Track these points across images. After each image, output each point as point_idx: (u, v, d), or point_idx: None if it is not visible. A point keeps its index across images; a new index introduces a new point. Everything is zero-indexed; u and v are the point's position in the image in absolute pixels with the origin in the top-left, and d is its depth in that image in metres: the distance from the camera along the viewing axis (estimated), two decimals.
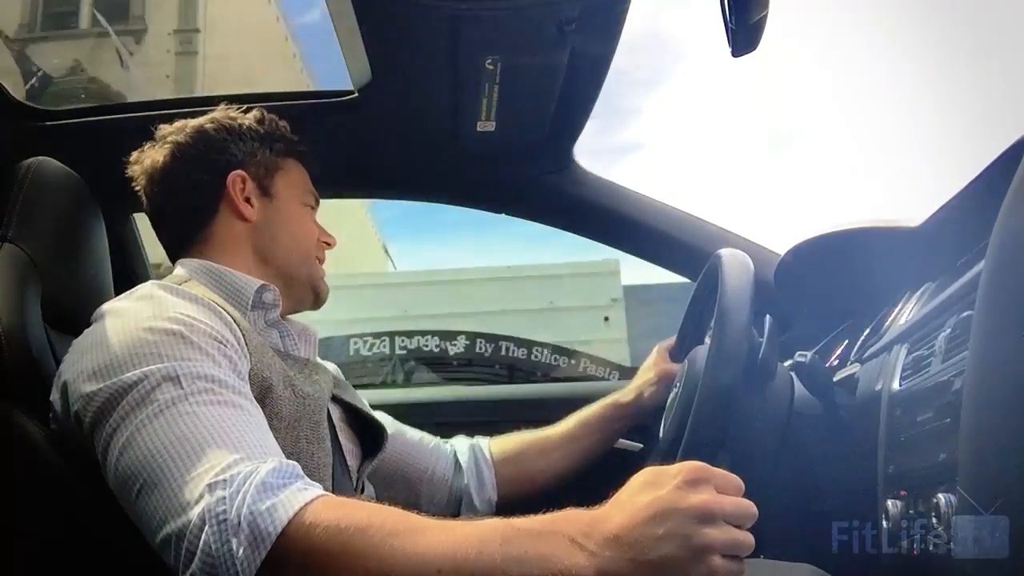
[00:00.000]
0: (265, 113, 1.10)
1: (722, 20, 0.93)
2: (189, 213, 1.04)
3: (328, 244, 1.13)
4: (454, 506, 1.23)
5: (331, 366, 1.19)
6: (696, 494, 0.64)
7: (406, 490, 1.20)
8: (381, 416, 1.18)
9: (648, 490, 0.66)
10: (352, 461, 1.06)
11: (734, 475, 0.67)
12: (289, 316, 1.09)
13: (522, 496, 1.23)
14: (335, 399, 1.07)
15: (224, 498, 0.66)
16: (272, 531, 0.64)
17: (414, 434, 1.25)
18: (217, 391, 0.77)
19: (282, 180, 1.08)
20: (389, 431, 1.15)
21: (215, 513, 0.65)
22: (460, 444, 1.27)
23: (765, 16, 0.90)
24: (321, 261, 1.12)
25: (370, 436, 1.12)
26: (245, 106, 1.11)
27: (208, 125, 1.06)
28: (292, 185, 1.09)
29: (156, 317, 0.82)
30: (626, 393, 1.30)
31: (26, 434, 0.84)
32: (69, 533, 0.85)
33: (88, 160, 1.14)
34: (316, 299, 1.11)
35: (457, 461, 1.24)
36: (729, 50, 0.94)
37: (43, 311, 0.97)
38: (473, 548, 0.64)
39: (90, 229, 1.11)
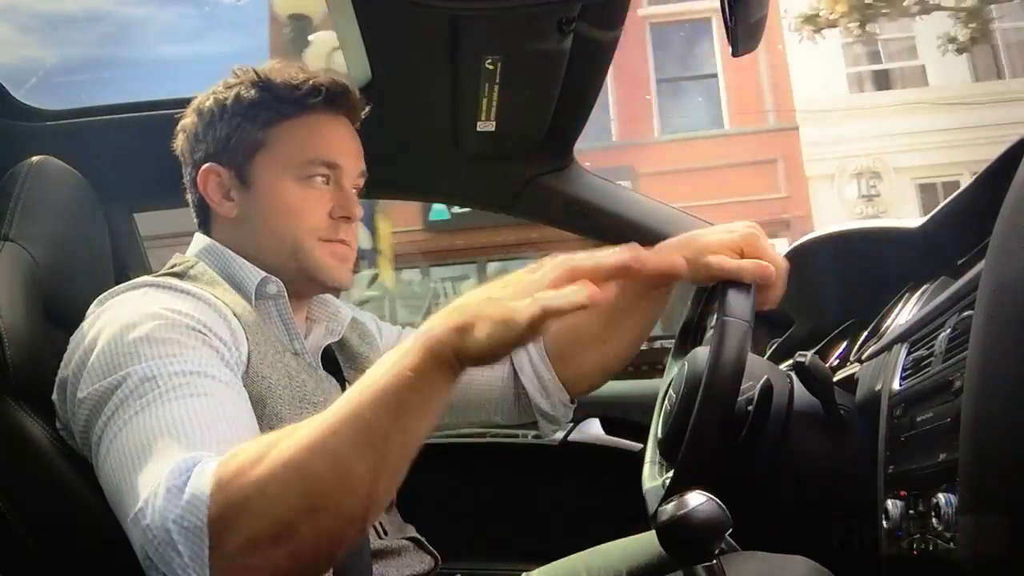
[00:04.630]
0: (260, 72, 0.96)
1: (722, 20, 0.93)
2: (193, 209, 1.01)
3: (347, 218, 0.97)
4: (514, 400, 1.14)
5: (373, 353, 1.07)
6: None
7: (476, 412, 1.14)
8: None
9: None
10: None
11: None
12: (317, 310, 1.02)
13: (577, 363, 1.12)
14: None
15: (149, 526, 0.64)
16: (199, 524, 0.62)
17: None
18: (195, 383, 0.74)
19: (264, 160, 0.95)
20: None
21: (149, 538, 0.64)
22: None
23: (765, 16, 0.91)
24: (347, 243, 0.97)
25: None
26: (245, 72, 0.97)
27: (206, 104, 0.97)
28: (279, 161, 0.95)
29: (139, 316, 0.79)
30: None
31: (29, 432, 0.84)
32: (72, 533, 0.85)
33: (89, 159, 1.14)
34: (324, 288, 1.00)
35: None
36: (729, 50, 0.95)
37: (44, 310, 0.97)
38: (366, 403, 0.63)
39: (91, 228, 1.11)
